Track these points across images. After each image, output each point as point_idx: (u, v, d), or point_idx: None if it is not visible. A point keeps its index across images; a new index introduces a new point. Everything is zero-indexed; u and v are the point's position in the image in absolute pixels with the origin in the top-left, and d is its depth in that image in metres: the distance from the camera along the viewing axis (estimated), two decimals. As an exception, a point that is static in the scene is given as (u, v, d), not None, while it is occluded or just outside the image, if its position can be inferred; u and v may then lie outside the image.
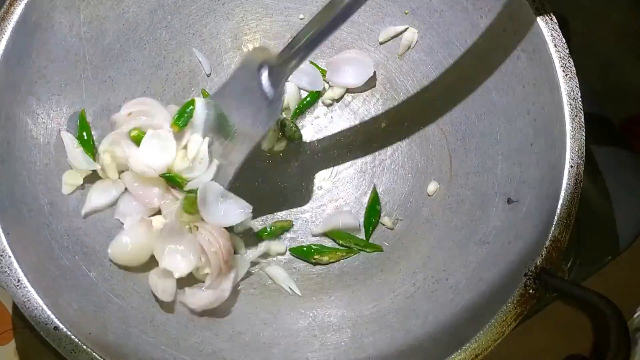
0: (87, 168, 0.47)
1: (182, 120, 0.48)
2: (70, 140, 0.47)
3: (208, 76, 0.56)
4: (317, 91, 0.56)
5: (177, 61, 0.55)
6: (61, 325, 0.39)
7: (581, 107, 0.42)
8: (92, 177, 0.48)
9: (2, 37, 0.43)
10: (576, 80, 0.42)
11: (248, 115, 0.47)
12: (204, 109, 0.48)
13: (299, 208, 0.53)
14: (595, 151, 0.59)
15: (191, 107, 0.48)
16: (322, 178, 0.54)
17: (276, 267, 0.51)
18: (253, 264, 0.50)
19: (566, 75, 0.42)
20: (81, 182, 0.47)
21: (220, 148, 0.48)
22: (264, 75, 0.45)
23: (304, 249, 0.51)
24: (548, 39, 0.43)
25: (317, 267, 0.52)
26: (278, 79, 0.45)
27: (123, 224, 0.48)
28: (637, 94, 0.69)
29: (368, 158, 0.55)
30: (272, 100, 0.45)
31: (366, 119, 0.56)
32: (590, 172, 0.59)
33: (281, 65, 0.44)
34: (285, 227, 0.52)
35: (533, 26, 0.43)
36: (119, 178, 0.49)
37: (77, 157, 0.47)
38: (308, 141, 0.56)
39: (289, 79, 0.48)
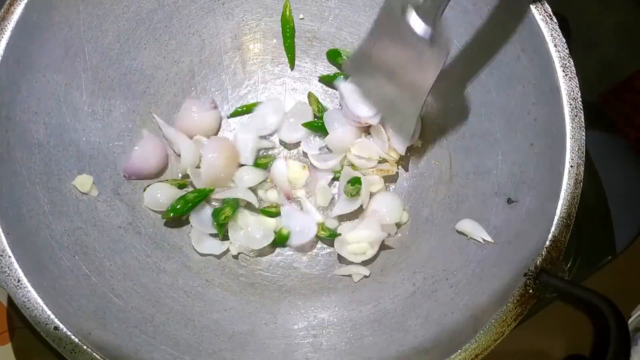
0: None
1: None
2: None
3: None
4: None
5: (177, 61, 0.55)
6: (61, 325, 0.39)
7: (581, 107, 0.42)
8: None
9: (2, 37, 0.43)
10: (576, 80, 0.42)
11: (407, 64, 0.45)
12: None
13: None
14: (592, 150, 0.59)
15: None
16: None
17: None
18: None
19: (566, 75, 0.42)
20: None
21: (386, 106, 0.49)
22: (411, 16, 0.42)
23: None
24: (548, 39, 0.43)
25: (317, 267, 0.52)
26: (430, 15, 0.42)
27: (121, 227, 0.48)
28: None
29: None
30: (433, 40, 0.43)
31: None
32: (589, 172, 0.59)
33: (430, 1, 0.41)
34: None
35: (533, 26, 0.43)
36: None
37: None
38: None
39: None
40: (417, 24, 0.43)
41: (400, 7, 0.43)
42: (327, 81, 0.57)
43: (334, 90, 0.57)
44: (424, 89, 0.46)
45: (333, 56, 0.56)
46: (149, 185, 0.51)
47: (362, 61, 0.50)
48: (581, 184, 0.41)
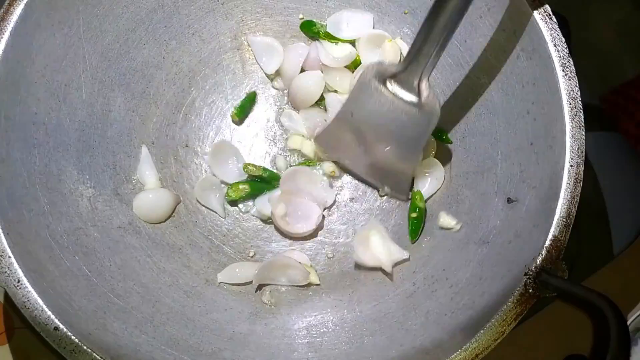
0: None
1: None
2: None
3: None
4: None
5: (177, 61, 0.55)
6: (61, 326, 0.39)
7: (581, 107, 0.42)
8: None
9: (2, 37, 0.43)
10: (576, 80, 0.42)
11: (395, 129, 0.46)
12: None
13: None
14: (591, 150, 0.59)
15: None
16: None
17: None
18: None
19: (566, 75, 0.42)
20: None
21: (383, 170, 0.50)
22: (393, 86, 0.44)
23: None
24: (548, 38, 0.43)
25: (317, 267, 0.52)
26: (412, 81, 0.43)
27: (121, 227, 0.48)
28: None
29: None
30: (420, 104, 0.44)
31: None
32: (588, 172, 0.59)
33: (411, 70, 0.43)
34: None
35: (533, 26, 0.43)
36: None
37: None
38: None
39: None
40: (401, 92, 0.44)
41: (378, 80, 0.44)
42: (308, 30, 0.56)
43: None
44: (417, 149, 0.47)
45: (307, 27, 0.56)
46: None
47: (339, 132, 0.50)
48: (581, 183, 0.41)
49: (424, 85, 0.44)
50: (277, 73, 0.56)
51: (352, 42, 0.55)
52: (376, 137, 0.48)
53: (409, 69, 0.44)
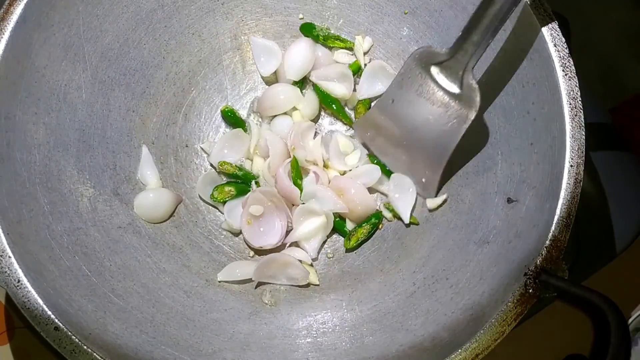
0: None
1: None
2: None
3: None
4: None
5: (177, 61, 0.55)
6: (61, 326, 0.39)
7: (581, 106, 0.42)
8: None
9: (2, 37, 0.43)
10: (576, 80, 0.42)
11: (431, 121, 0.45)
12: None
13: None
14: (590, 149, 0.59)
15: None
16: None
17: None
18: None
19: (566, 75, 0.42)
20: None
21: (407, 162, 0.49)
22: (437, 74, 0.43)
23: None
24: (548, 39, 0.43)
25: (317, 267, 0.52)
26: (456, 71, 0.43)
27: (121, 227, 0.48)
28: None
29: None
30: (460, 95, 0.43)
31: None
32: (587, 171, 0.59)
33: (457, 60, 0.43)
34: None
35: (533, 26, 0.43)
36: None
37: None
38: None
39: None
40: (443, 82, 0.43)
41: (423, 67, 0.44)
42: (308, 32, 0.56)
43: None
44: (450, 144, 0.46)
45: (307, 30, 0.56)
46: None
47: (376, 121, 0.50)
48: (581, 183, 0.41)
49: (468, 76, 0.44)
50: (274, 76, 0.56)
51: (351, 47, 0.56)
52: (412, 127, 0.48)
53: (455, 57, 0.43)
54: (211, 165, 0.54)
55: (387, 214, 0.52)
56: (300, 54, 0.54)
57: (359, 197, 0.50)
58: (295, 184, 0.51)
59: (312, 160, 0.52)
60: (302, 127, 0.53)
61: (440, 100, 0.44)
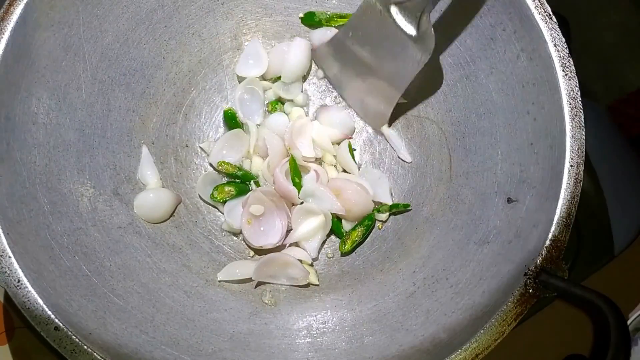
0: None
1: None
2: None
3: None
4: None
5: (177, 61, 0.55)
6: (61, 326, 0.39)
7: (581, 106, 0.42)
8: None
9: (2, 37, 0.43)
10: (576, 80, 0.42)
11: (388, 57, 0.46)
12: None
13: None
14: (592, 150, 0.59)
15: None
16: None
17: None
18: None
19: (566, 75, 0.42)
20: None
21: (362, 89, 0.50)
22: (396, 14, 0.44)
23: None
24: (548, 39, 0.43)
25: (317, 267, 0.52)
26: (415, 13, 0.43)
27: (121, 227, 0.48)
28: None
29: (367, 158, 0.55)
30: (416, 38, 0.44)
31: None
32: (588, 172, 0.59)
33: (415, 1, 0.43)
34: None
35: (533, 26, 0.43)
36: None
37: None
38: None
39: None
40: (402, 22, 0.44)
41: (383, 4, 0.44)
42: (310, 22, 0.56)
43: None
44: (403, 81, 0.47)
45: (309, 19, 0.56)
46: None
47: (335, 50, 0.51)
48: (581, 183, 0.41)
49: (424, 19, 0.44)
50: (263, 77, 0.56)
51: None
52: (367, 62, 0.48)
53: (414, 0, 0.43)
54: (211, 165, 0.54)
55: (381, 216, 0.52)
56: (297, 57, 0.54)
57: (356, 198, 0.50)
58: (294, 183, 0.51)
59: (309, 158, 0.52)
60: (298, 126, 0.52)
61: (397, 40, 0.45)
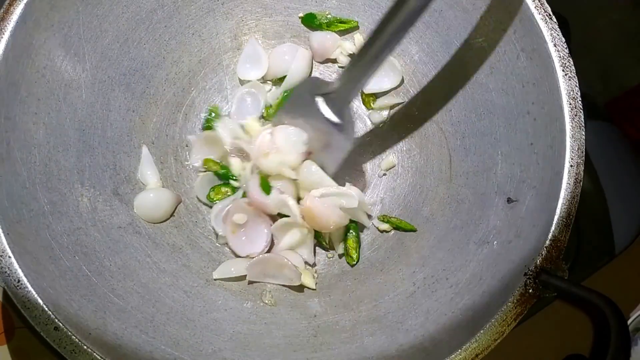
0: None
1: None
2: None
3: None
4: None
5: (177, 61, 0.55)
6: (61, 326, 0.39)
7: (581, 106, 0.42)
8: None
9: (2, 37, 0.43)
10: (576, 80, 0.42)
11: (319, 139, 0.48)
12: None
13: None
14: (592, 150, 0.59)
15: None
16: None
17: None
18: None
19: (566, 75, 0.42)
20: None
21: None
22: (321, 105, 0.46)
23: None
24: (548, 38, 0.43)
25: (317, 266, 0.52)
26: (339, 105, 0.46)
27: (121, 227, 0.48)
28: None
29: (367, 157, 0.55)
30: (341, 126, 0.46)
31: (366, 119, 0.56)
32: (588, 171, 0.59)
33: (339, 93, 0.46)
34: None
35: (533, 26, 0.43)
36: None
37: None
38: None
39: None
40: (327, 112, 0.46)
41: (310, 96, 0.47)
42: (310, 23, 0.56)
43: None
44: (334, 163, 0.49)
45: (310, 20, 0.56)
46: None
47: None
48: (581, 183, 0.41)
49: (348, 109, 0.47)
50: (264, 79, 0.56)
51: (356, 26, 0.56)
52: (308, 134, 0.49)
53: (338, 90, 0.46)
54: (192, 167, 0.54)
55: (384, 226, 0.52)
56: (300, 68, 0.55)
57: (321, 213, 0.48)
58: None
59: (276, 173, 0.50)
60: (265, 139, 0.50)
61: (324, 128, 0.47)
